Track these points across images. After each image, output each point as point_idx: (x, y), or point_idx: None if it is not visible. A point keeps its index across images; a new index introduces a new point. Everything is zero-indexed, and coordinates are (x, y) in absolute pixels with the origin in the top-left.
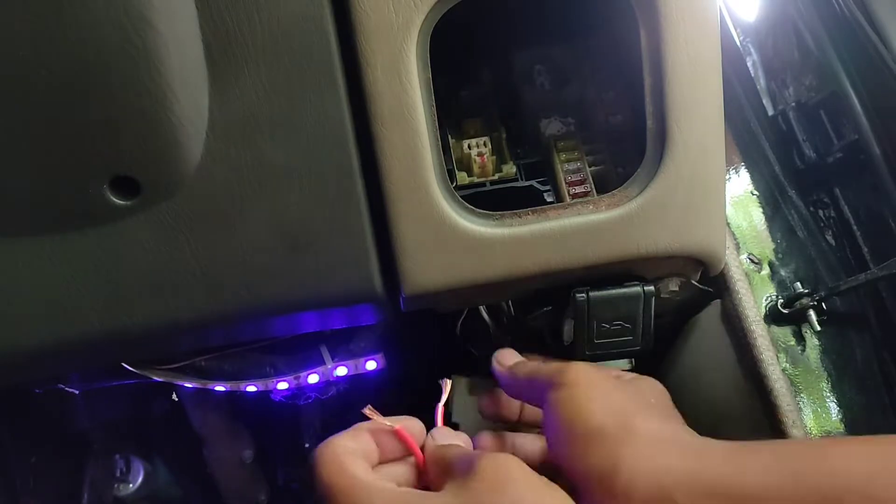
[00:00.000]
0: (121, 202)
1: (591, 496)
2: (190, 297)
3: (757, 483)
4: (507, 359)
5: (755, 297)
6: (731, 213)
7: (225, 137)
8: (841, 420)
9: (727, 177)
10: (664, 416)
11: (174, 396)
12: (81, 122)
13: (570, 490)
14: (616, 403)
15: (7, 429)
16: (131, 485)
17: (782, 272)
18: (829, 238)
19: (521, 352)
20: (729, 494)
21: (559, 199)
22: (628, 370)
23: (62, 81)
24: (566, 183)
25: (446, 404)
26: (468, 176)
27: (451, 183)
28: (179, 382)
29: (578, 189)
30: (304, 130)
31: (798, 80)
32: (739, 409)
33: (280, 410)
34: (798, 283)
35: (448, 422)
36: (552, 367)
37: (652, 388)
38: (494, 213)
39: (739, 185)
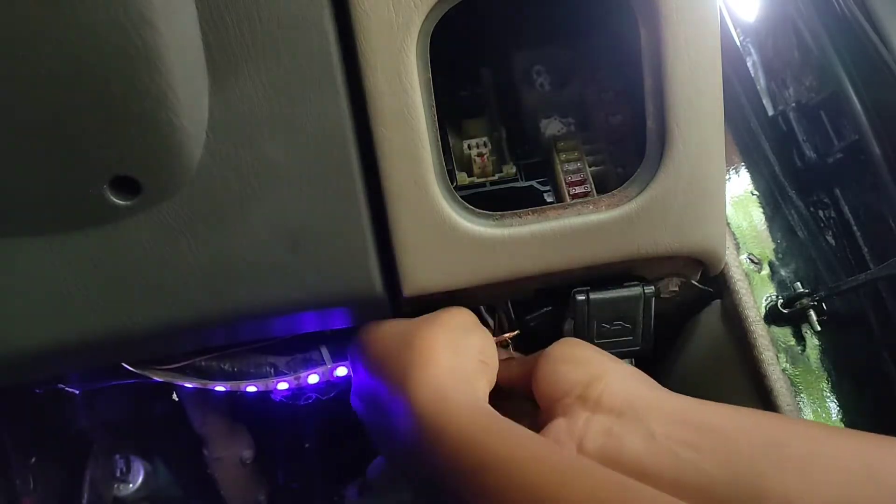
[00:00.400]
0: (121, 202)
1: (567, 407)
2: (190, 297)
3: (720, 421)
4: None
5: (755, 297)
6: (731, 213)
7: (225, 137)
8: (841, 420)
9: (727, 177)
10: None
11: (174, 396)
12: (81, 122)
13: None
14: (599, 353)
15: (7, 429)
16: (131, 485)
17: (782, 272)
18: (829, 238)
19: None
20: (692, 421)
21: (559, 199)
22: None
23: (62, 82)
24: (566, 183)
25: None
26: (468, 176)
27: (451, 183)
28: (179, 382)
29: (578, 189)
30: (304, 130)
31: (798, 80)
32: None
33: (280, 410)
34: (798, 283)
35: None
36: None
37: None
38: (494, 213)
39: (739, 185)
